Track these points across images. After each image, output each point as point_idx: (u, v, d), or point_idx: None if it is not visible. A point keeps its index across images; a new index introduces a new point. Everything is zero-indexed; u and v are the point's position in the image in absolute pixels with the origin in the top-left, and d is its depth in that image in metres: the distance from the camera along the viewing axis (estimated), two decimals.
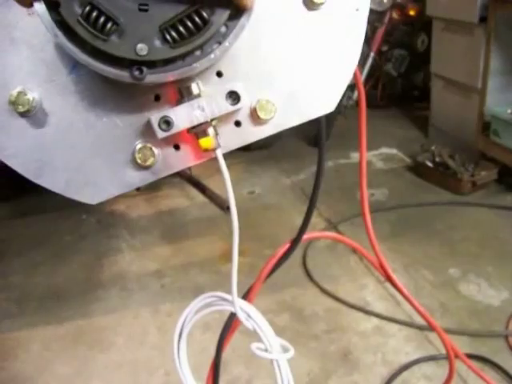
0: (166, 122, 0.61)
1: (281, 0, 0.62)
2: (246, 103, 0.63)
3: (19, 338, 2.38)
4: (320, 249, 2.83)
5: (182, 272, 2.74)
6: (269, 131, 0.67)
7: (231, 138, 0.67)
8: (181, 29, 0.54)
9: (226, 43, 0.57)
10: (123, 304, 2.56)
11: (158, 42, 0.54)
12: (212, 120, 0.62)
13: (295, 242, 0.89)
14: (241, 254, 2.50)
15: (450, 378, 1.36)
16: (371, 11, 2.97)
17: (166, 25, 0.54)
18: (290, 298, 2.48)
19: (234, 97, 0.62)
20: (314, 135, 4.19)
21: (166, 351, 2.03)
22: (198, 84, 0.62)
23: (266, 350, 0.85)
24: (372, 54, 4.27)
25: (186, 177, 3.69)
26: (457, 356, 1.27)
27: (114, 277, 2.78)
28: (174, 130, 0.62)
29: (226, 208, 3.20)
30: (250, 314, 0.84)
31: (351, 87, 4.20)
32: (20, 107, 0.62)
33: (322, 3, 0.62)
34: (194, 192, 3.58)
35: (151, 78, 0.57)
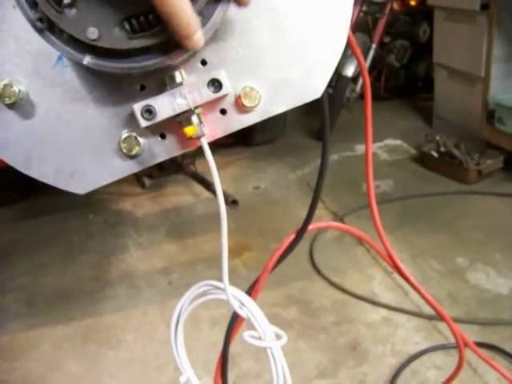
0: (149, 111, 0.62)
1: None
2: (228, 91, 0.63)
3: (29, 338, 2.39)
4: (327, 241, 2.83)
5: (190, 268, 2.75)
6: (254, 119, 0.67)
7: (217, 127, 0.67)
8: (142, 20, 0.54)
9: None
10: (131, 302, 2.56)
11: (116, 30, 0.54)
12: (196, 108, 0.62)
13: (301, 233, 0.89)
14: (247, 248, 2.51)
15: (460, 367, 1.36)
16: (372, 2, 2.97)
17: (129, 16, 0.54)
18: (298, 291, 2.48)
19: (216, 84, 0.62)
20: (318, 129, 4.19)
21: None
22: (181, 72, 0.62)
23: (259, 338, 0.85)
24: (374, 46, 4.26)
25: (190, 173, 3.69)
26: (466, 345, 1.27)
27: (122, 275, 2.79)
28: (156, 119, 0.62)
29: (230, 202, 3.21)
30: (244, 302, 0.84)
31: (354, 79, 4.20)
32: (7, 99, 0.63)
33: None
34: (199, 189, 3.58)
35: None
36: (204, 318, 2.30)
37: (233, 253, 2.73)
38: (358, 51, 0.90)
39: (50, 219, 3.42)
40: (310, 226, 0.88)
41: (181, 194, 3.62)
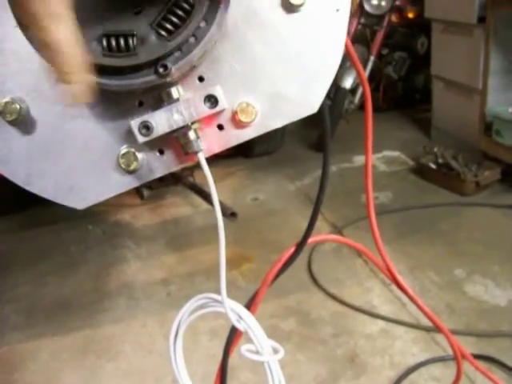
0: (146, 127, 0.63)
1: (259, 4, 0.63)
2: (225, 106, 0.64)
3: (28, 349, 2.39)
4: (325, 253, 2.84)
5: (188, 280, 2.75)
6: (251, 134, 0.67)
7: (214, 142, 0.68)
8: (173, 18, 0.56)
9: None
10: (130, 313, 2.56)
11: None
12: (192, 124, 0.63)
13: (300, 246, 0.89)
14: (247, 260, 2.50)
15: (458, 379, 1.36)
16: (370, 15, 2.99)
17: (157, 20, 0.56)
18: (296, 303, 2.48)
19: (212, 100, 0.63)
20: (316, 140, 4.21)
21: None
22: (177, 89, 0.63)
23: (256, 352, 0.85)
24: (372, 58, 4.28)
25: (189, 185, 3.70)
26: (464, 357, 1.27)
27: (121, 286, 2.79)
28: (153, 135, 0.63)
29: (229, 215, 3.21)
30: (241, 316, 0.84)
31: (352, 91, 4.22)
32: (8, 116, 0.64)
33: (300, 5, 0.62)
34: (197, 200, 3.58)
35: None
36: (203, 330, 2.30)
37: (232, 264, 2.73)
38: (359, 63, 0.91)
39: (48, 230, 3.42)
40: (310, 239, 0.89)
41: (180, 206, 3.62)
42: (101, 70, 0.58)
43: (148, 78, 0.59)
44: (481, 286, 2.47)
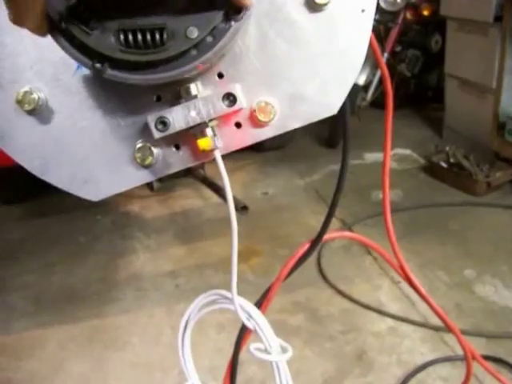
0: (163, 123, 0.62)
1: (282, 2, 0.62)
2: (243, 105, 0.63)
3: (35, 337, 2.40)
4: (334, 249, 2.83)
5: (197, 272, 2.75)
6: (269, 133, 0.67)
7: (232, 140, 0.67)
8: (139, 38, 0.54)
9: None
10: (138, 304, 2.57)
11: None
12: (210, 121, 0.63)
13: (315, 243, 0.89)
14: (255, 254, 2.49)
15: (467, 380, 1.35)
16: (384, 11, 2.95)
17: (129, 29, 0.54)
18: (305, 299, 2.48)
19: (231, 98, 0.62)
20: (327, 136, 4.19)
21: None
22: (196, 85, 0.63)
23: (265, 351, 0.85)
24: (386, 55, 4.26)
25: (200, 177, 3.69)
26: (474, 358, 1.27)
27: (129, 277, 2.79)
28: (170, 131, 0.62)
29: (240, 208, 3.21)
30: (251, 314, 0.84)
31: (365, 88, 4.20)
32: (26, 105, 0.64)
33: (325, 4, 0.61)
34: (208, 192, 3.58)
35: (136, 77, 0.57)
36: (210, 323, 2.30)
37: (240, 258, 2.69)
38: (382, 61, 0.90)
39: (57, 219, 3.43)
40: (325, 236, 0.88)
41: (189, 198, 3.62)
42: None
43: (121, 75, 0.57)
44: (490, 286, 2.46)
